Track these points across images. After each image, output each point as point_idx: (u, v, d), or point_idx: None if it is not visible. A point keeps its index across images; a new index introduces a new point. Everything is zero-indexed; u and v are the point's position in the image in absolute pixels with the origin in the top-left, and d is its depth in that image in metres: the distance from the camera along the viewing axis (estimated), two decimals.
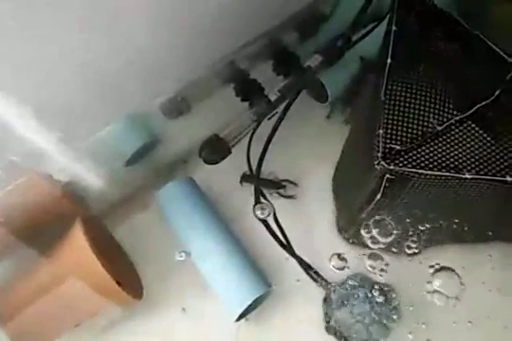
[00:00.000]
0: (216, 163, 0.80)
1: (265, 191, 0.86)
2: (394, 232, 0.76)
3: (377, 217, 0.76)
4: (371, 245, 0.80)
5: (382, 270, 0.81)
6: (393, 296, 0.80)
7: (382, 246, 0.80)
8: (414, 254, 0.81)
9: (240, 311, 0.76)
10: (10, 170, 0.61)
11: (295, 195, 0.94)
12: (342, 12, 0.89)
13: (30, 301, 0.75)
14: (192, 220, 0.85)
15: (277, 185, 0.93)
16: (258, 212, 0.82)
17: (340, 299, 0.80)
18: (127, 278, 0.82)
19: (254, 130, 0.81)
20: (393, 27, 0.69)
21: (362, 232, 0.79)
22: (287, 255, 0.82)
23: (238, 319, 0.79)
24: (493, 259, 0.85)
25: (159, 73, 0.67)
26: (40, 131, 0.57)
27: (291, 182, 0.95)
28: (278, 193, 0.93)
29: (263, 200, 0.84)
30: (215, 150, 0.79)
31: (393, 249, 0.81)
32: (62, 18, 0.47)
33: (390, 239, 0.78)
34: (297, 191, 0.94)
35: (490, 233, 0.83)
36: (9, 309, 0.75)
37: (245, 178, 0.93)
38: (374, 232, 0.78)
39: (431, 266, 0.80)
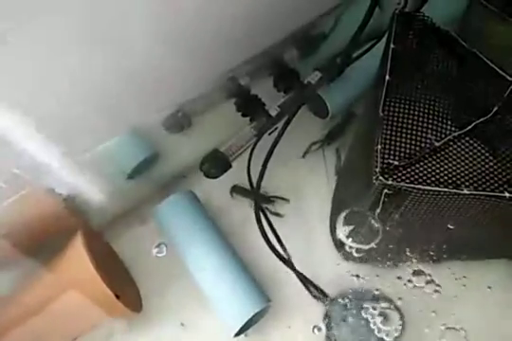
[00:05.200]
0: (217, 177, 0.80)
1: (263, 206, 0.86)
2: (392, 247, 0.76)
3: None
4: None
5: (383, 287, 0.81)
6: (395, 314, 0.79)
7: (380, 261, 0.79)
8: (416, 271, 0.81)
9: (239, 326, 0.76)
10: (12, 183, 0.62)
11: (283, 214, 0.92)
12: (342, 30, 0.90)
13: (30, 313, 0.75)
14: (192, 233, 0.85)
15: (266, 200, 0.92)
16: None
17: (340, 316, 0.80)
18: (126, 291, 0.82)
19: (255, 144, 0.82)
20: (392, 45, 0.70)
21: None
22: (287, 269, 0.82)
23: (237, 335, 0.78)
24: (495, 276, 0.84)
25: (161, 88, 0.68)
26: (42, 144, 0.58)
27: (282, 198, 0.93)
28: (267, 209, 0.89)
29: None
30: (216, 164, 0.79)
31: (393, 264, 0.80)
32: (62, 34, 0.49)
33: (389, 253, 0.78)
34: (297, 206, 0.94)
35: (495, 250, 0.82)
36: (8, 320, 0.75)
37: (235, 190, 0.93)
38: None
39: (434, 284, 0.79)
